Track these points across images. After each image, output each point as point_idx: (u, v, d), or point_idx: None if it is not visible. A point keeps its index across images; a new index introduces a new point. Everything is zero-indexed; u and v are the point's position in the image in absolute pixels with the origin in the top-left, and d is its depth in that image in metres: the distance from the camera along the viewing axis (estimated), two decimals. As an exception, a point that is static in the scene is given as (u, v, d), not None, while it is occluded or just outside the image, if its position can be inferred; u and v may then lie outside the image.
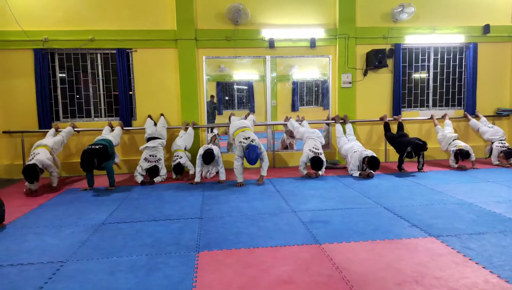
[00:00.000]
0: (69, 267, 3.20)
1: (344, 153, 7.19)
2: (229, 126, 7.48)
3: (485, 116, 8.09)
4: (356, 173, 6.61)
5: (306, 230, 3.93)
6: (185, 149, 7.06)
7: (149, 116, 7.52)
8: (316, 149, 6.64)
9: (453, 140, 7.31)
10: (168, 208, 4.94)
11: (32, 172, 5.74)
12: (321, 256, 3.28)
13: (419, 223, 4.07)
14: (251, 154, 5.90)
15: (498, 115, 8.38)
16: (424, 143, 6.63)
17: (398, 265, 3.07)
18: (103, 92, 7.70)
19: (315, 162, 6.44)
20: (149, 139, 6.90)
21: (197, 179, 6.37)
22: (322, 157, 6.56)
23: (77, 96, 7.68)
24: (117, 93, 7.56)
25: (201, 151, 6.30)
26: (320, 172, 6.64)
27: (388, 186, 5.85)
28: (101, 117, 7.72)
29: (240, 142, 6.20)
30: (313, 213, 4.52)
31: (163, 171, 6.64)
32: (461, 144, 7.13)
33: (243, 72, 9.76)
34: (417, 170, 6.91)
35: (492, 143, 7.47)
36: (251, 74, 9.92)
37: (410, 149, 6.72)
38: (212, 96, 9.82)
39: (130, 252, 3.48)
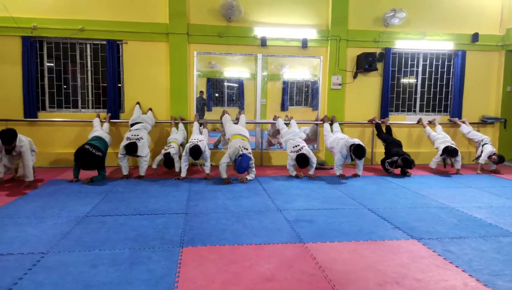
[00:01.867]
0: (50, 259, 3.16)
1: (330, 146, 7.13)
2: (221, 123, 7.46)
3: (470, 123, 8.22)
4: (339, 168, 6.64)
5: (291, 229, 3.95)
6: (181, 144, 7.00)
7: (138, 103, 7.44)
8: (296, 147, 6.63)
9: (446, 140, 7.39)
10: (153, 202, 4.91)
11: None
12: (304, 255, 3.30)
13: (402, 225, 4.12)
14: (243, 162, 5.94)
15: (483, 123, 8.54)
16: (412, 162, 6.66)
17: (380, 266, 3.11)
18: (91, 83, 7.60)
19: (300, 160, 6.44)
20: (132, 125, 6.82)
21: (183, 174, 6.34)
22: (305, 150, 6.50)
23: (65, 86, 7.56)
24: (106, 84, 7.47)
25: (188, 146, 6.26)
26: (310, 172, 6.64)
27: (373, 189, 5.91)
28: (88, 108, 7.62)
29: (240, 146, 6.20)
30: (299, 213, 4.55)
31: (144, 151, 6.36)
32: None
33: (234, 70, 9.74)
34: (403, 174, 7.00)
35: (484, 144, 7.47)
36: (242, 72, 9.90)
37: (398, 161, 6.75)
38: (201, 92, 9.78)
39: (113, 245, 3.45)
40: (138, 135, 6.46)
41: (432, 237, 3.78)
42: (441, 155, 7.11)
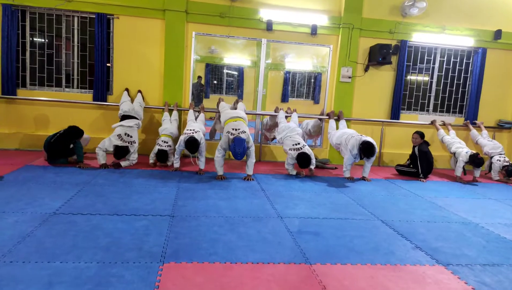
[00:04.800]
0: (-4, 272, 2.53)
1: (337, 142, 6.48)
2: (217, 112, 6.81)
3: (486, 127, 7.64)
4: (348, 169, 6.07)
5: (293, 243, 3.35)
6: (173, 136, 6.36)
7: (126, 90, 6.77)
8: (296, 145, 6.02)
9: (463, 145, 6.86)
10: (135, 199, 4.28)
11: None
12: (311, 281, 2.69)
13: (423, 245, 3.53)
14: (236, 148, 5.23)
15: (499, 127, 7.96)
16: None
17: (406, 302, 2.52)
18: (77, 60, 6.89)
19: (302, 160, 5.83)
20: (123, 117, 6.15)
21: (176, 165, 5.72)
22: (306, 150, 5.94)
23: (48, 63, 6.85)
24: (93, 63, 6.76)
25: (183, 138, 5.60)
26: (312, 166, 6.04)
27: (383, 195, 5.31)
28: (72, 88, 6.92)
29: (228, 132, 5.55)
30: (302, 221, 3.94)
31: (134, 156, 5.90)
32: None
33: (234, 56, 9.09)
34: (418, 178, 6.44)
35: (491, 157, 7.01)
36: (243, 59, 9.24)
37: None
38: (199, 77, 9.12)
39: (79, 255, 2.83)
40: (132, 137, 5.87)
41: (461, 262, 3.19)
42: (466, 162, 6.53)
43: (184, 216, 3.85)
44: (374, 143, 5.84)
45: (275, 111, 7.38)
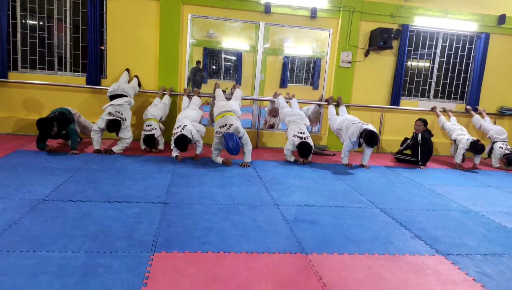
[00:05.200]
0: (-21, 262, 2.43)
1: (338, 127, 6.33)
2: (213, 98, 6.66)
3: (487, 114, 7.51)
4: (347, 156, 5.97)
5: (289, 232, 3.25)
6: (160, 120, 6.22)
7: (127, 70, 6.61)
8: (301, 133, 5.91)
9: (465, 132, 6.76)
10: (128, 186, 4.16)
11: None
12: (307, 272, 2.60)
13: (422, 234, 3.44)
14: (229, 143, 5.14)
15: (501, 114, 7.83)
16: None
17: (404, 294, 2.43)
18: (70, 42, 6.69)
19: (303, 149, 5.74)
20: (111, 97, 5.96)
21: (175, 153, 5.57)
22: (310, 141, 5.86)
23: (40, 45, 6.65)
24: (86, 45, 6.57)
25: (173, 138, 5.47)
26: (308, 158, 5.94)
27: (382, 182, 5.22)
28: (65, 71, 6.74)
29: (216, 132, 5.45)
30: (299, 209, 3.84)
31: (127, 134, 5.66)
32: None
33: (232, 40, 8.89)
34: (418, 165, 6.34)
35: (494, 142, 6.90)
36: (241, 44, 9.05)
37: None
38: (198, 62, 8.94)
39: (66, 244, 2.73)
40: (122, 115, 5.67)
41: (461, 252, 3.11)
42: (466, 149, 6.42)
43: (177, 203, 3.74)
44: (376, 131, 5.72)
45: (274, 97, 7.23)
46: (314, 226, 3.44)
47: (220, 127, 5.40)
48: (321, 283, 2.48)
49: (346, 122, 6.08)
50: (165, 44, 6.64)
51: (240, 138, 5.36)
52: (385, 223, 3.66)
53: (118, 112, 5.63)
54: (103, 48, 6.69)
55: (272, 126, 7.69)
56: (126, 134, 5.68)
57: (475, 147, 6.30)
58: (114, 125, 5.50)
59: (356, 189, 4.73)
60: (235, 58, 10.33)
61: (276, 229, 3.29)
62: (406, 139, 6.78)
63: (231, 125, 5.34)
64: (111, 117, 5.52)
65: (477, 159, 6.50)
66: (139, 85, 6.63)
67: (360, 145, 5.85)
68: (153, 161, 5.36)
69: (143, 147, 5.93)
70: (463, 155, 6.48)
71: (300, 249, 2.93)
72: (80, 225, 3.08)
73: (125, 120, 5.67)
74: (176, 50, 6.69)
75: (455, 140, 6.71)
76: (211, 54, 10.01)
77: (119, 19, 6.58)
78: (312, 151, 5.85)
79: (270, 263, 2.68)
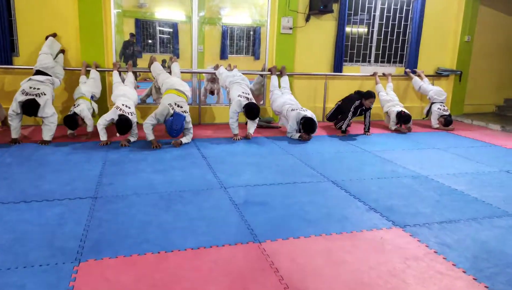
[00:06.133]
0: None
1: (276, 109, 6.22)
2: (149, 72, 6.05)
3: (425, 76, 7.62)
4: (296, 136, 5.73)
5: (239, 218, 2.94)
6: (92, 98, 5.53)
7: (53, 35, 5.73)
8: (246, 94, 5.62)
9: (395, 102, 6.79)
10: (50, 180, 3.59)
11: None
12: (261, 264, 2.32)
13: (377, 205, 3.30)
14: (174, 124, 4.74)
15: (438, 75, 8.00)
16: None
17: (367, 277, 2.23)
18: (-32, 15, 5.67)
19: (250, 110, 5.42)
20: (37, 73, 5.17)
21: (104, 137, 4.94)
22: (255, 101, 5.60)
23: None
24: (-11, 18, 5.61)
25: (114, 113, 4.87)
26: (251, 131, 5.63)
27: (331, 153, 5.06)
28: (-34, 49, 5.74)
29: (170, 104, 4.95)
30: (248, 190, 3.54)
31: (48, 111, 4.81)
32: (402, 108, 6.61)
33: (166, 10, 8.18)
34: (364, 132, 6.25)
35: (432, 103, 7.04)
36: (176, 13, 8.39)
37: (358, 103, 6.00)
38: (132, 35, 8.14)
39: (-35, 264, 2.20)
40: (39, 89, 4.85)
41: (418, 222, 2.99)
42: (394, 121, 6.52)
43: (109, 196, 3.27)
44: (315, 118, 5.60)
45: (215, 68, 6.76)
46: (266, 207, 3.16)
47: (177, 105, 4.96)
48: (278, 276, 2.20)
49: (286, 106, 5.92)
50: (85, 14, 5.83)
51: (186, 129, 5.13)
52: (339, 197, 3.48)
53: (34, 88, 4.83)
54: (11, 19, 5.75)
55: (212, 92, 7.22)
56: (48, 111, 4.82)
57: (401, 118, 6.42)
58: (29, 107, 4.68)
59: (306, 162, 4.51)
60: (171, 30, 9.61)
61: (225, 217, 2.97)
62: (340, 106, 6.62)
63: (186, 112, 5.04)
64: (26, 97, 4.72)
65: (408, 125, 6.60)
66: (63, 51, 5.84)
67: (299, 131, 5.69)
68: (81, 149, 4.74)
69: (69, 132, 5.25)
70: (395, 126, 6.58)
71: (252, 237, 2.64)
72: (-14, 236, 2.53)
73: (44, 94, 4.83)
74: (99, 20, 5.92)
75: (386, 112, 6.77)
76: (144, 26, 9.21)
77: (27, -14, 5.66)
78: (259, 113, 5.57)
79: (219, 258, 2.36)
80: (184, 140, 5.13)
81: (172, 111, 4.86)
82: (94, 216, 2.87)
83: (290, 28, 6.83)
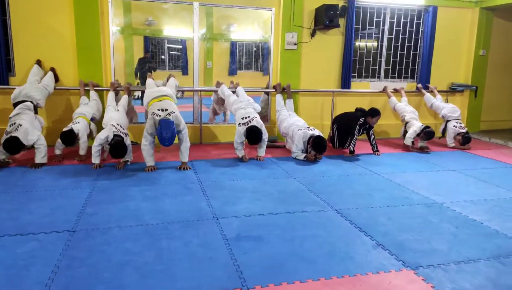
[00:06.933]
0: None
1: (284, 131, 5.95)
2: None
3: (438, 92, 7.25)
4: (301, 156, 5.40)
5: (229, 257, 2.61)
6: (92, 119, 5.33)
7: (37, 63, 5.59)
8: (245, 118, 5.32)
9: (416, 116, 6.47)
10: (30, 211, 3.33)
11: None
12: (248, 320, 1.99)
13: (386, 240, 2.94)
14: (164, 132, 4.35)
15: (452, 91, 7.62)
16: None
17: (372, 338, 1.88)
18: (-36, 34, 5.58)
19: (251, 135, 5.09)
20: (15, 105, 4.99)
21: (96, 161, 4.67)
22: (256, 122, 5.23)
23: None
24: (-15, 37, 5.50)
25: (107, 133, 4.65)
26: (260, 153, 5.34)
27: (337, 175, 4.72)
28: (-39, 70, 5.63)
29: (153, 113, 4.63)
30: (243, 222, 3.22)
31: (31, 137, 4.61)
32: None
33: (174, 27, 8.10)
34: (373, 152, 5.89)
35: (448, 121, 6.65)
36: (184, 30, 8.30)
37: (362, 121, 5.67)
38: (147, 52, 8.06)
39: None
40: (14, 124, 4.66)
41: (432, 262, 2.62)
42: (418, 133, 6.11)
43: (89, 229, 2.99)
44: (323, 137, 5.34)
45: (216, 86, 6.53)
46: (260, 244, 2.83)
47: (160, 110, 4.62)
48: (265, 336, 1.87)
49: (292, 129, 5.65)
50: (82, 33, 5.69)
51: (179, 132, 4.68)
52: (343, 230, 3.13)
53: (12, 125, 4.67)
54: (8, 38, 5.63)
55: (217, 113, 6.98)
56: (32, 138, 4.62)
57: (426, 133, 6.03)
58: (11, 146, 4.51)
59: (309, 188, 4.18)
60: (180, 46, 9.51)
61: (213, 255, 2.65)
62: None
63: (173, 112, 4.63)
64: (5, 137, 4.56)
65: (424, 143, 6.22)
66: (57, 79, 5.68)
67: (307, 151, 5.40)
68: (72, 173, 4.50)
69: (57, 152, 5.00)
70: (413, 138, 6.17)
71: (240, 283, 2.31)
72: None
73: (21, 125, 4.63)
74: (97, 39, 5.76)
75: (407, 122, 6.38)
76: (154, 44, 9.14)
77: (24, 5, 5.54)
78: (261, 133, 5.18)
79: (199, 311, 2.04)
80: (183, 159, 4.79)
81: (158, 118, 4.56)
82: (66, 254, 2.58)
83: (295, 44, 6.57)
